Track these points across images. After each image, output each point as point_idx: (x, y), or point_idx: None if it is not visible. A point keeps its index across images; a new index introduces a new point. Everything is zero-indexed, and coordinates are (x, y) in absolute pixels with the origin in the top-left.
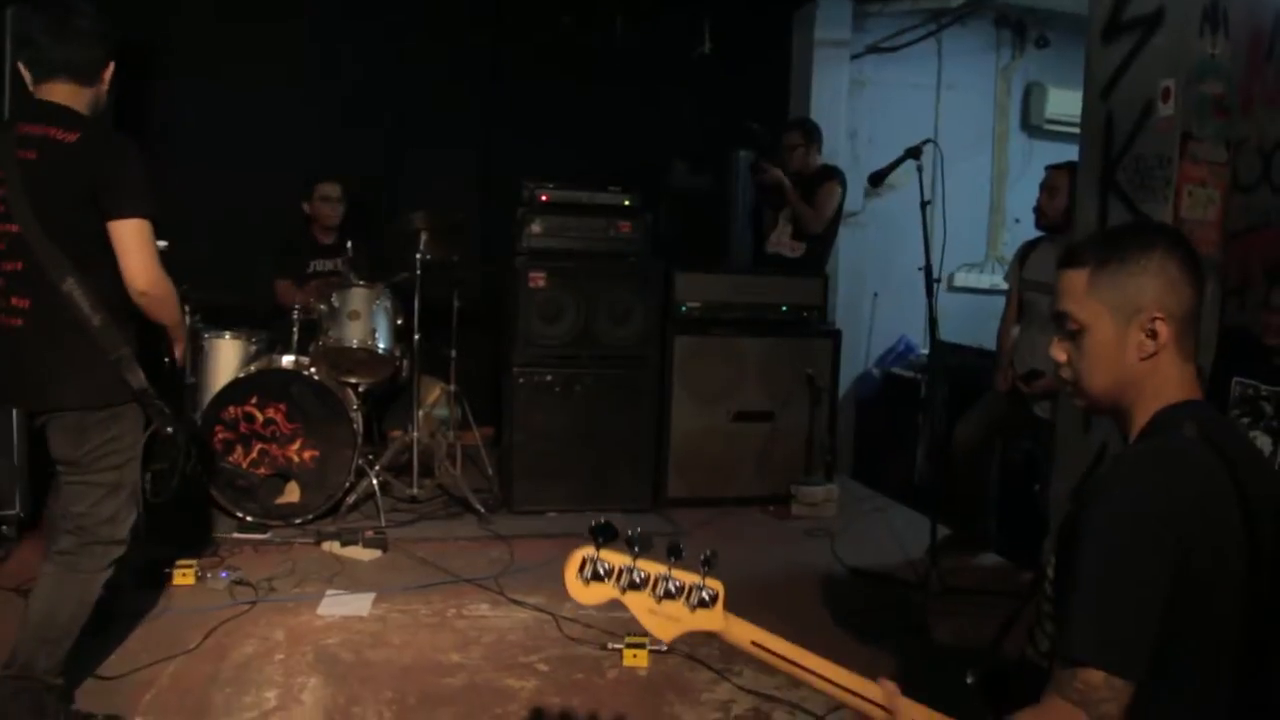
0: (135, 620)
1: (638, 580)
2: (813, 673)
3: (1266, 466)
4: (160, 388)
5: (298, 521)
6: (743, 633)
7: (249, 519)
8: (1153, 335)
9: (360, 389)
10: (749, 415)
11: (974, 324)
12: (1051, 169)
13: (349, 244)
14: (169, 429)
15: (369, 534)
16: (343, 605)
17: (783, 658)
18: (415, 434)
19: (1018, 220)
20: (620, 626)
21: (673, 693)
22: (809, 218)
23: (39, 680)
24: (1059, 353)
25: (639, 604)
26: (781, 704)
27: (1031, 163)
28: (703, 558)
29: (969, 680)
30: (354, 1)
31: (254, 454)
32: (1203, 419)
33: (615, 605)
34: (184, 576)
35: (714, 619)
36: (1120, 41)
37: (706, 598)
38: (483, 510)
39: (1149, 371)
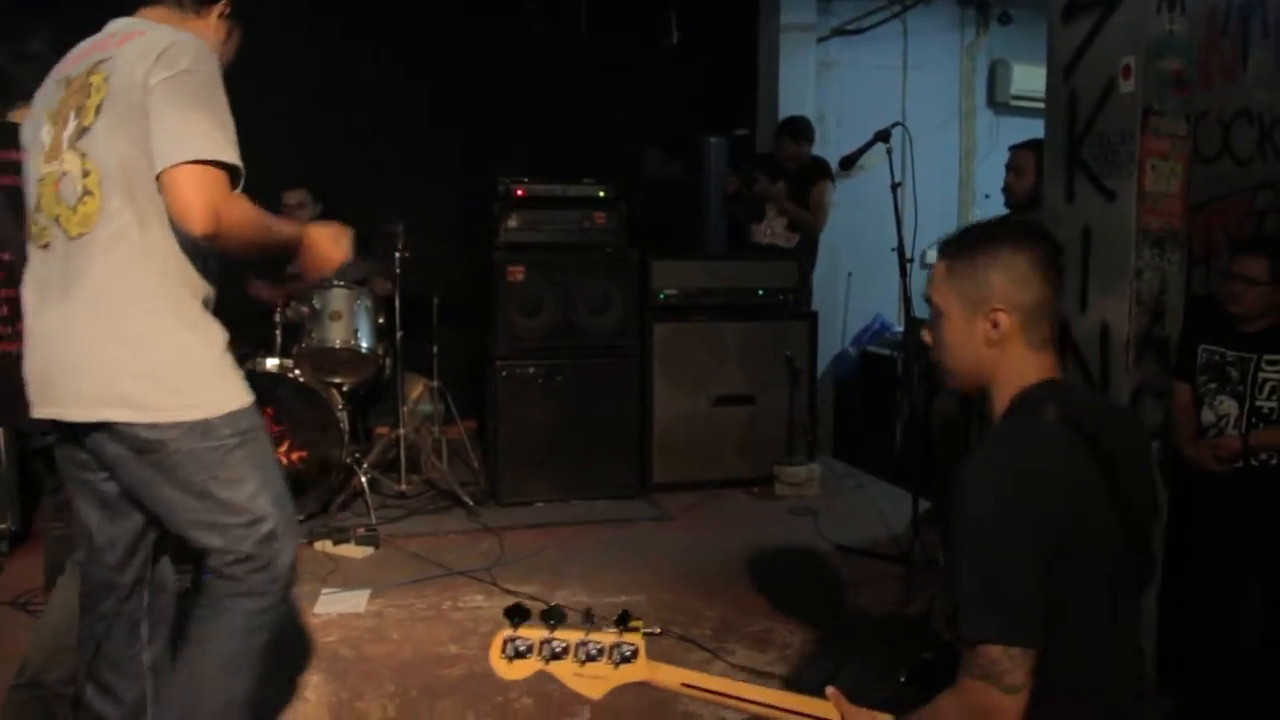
0: None
1: (558, 650)
2: (752, 702)
3: (1126, 432)
4: None
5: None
6: (671, 677)
7: None
8: (995, 325)
9: (344, 388)
10: (730, 399)
11: None
12: (1015, 149)
13: None
14: None
15: (360, 532)
16: (339, 603)
17: (717, 693)
18: (402, 430)
19: (987, 196)
20: (610, 611)
21: None
22: (810, 222)
23: (50, 689)
24: (926, 335)
25: (564, 671)
26: (775, 679)
27: (999, 139)
28: (617, 616)
29: (901, 680)
30: (317, 1)
31: None
32: (1061, 398)
33: (608, 590)
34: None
35: (639, 671)
36: (1081, 20)
37: (628, 653)
38: (471, 503)
39: (999, 357)
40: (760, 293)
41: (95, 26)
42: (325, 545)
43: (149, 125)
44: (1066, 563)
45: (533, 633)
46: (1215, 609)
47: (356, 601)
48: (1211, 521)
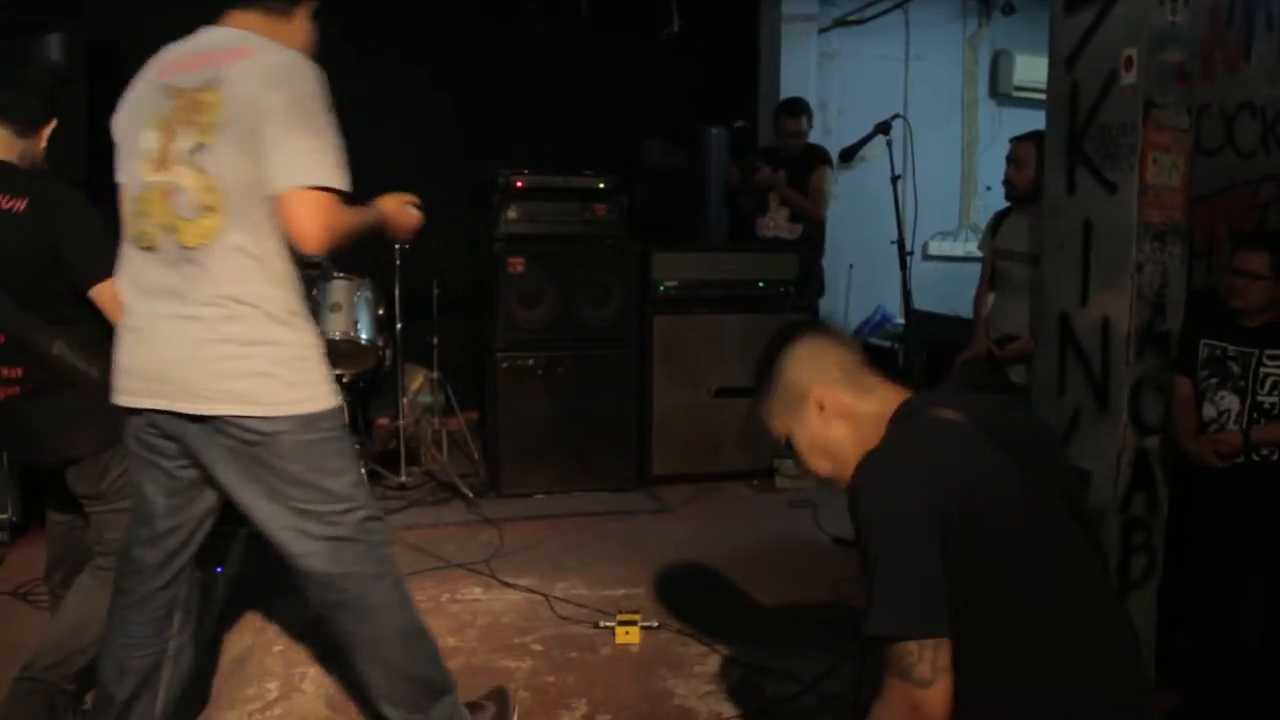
0: None
1: None
2: None
3: (1018, 416)
4: None
5: None
6: None
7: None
8: (821, 406)
9: (344, 380)
10: (730, 391)
11: (949, 292)
12: (1015, 141)
13: None
14: None
15: None
16: None
17: None
18: (402, 422)
19: (989, 188)
20: (610, 605)
21: (665, 667)
22: (810, 209)
23: (53, 684)
24: (801, 469)
25: None
26: (772, 673)
27: (1001, 130)
28: None
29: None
30: None
31: None
32: (938, 401)
33: (607, 583)
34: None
35: None
36: (1083, 11)
37: None
38: (471, 495)
39: (850, 428)
40: (761, 284)
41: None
42: None
43: (264, 147)
44: (983, 546)
45: None
46: (1216, 605)
47: None
48: (1212, 517)
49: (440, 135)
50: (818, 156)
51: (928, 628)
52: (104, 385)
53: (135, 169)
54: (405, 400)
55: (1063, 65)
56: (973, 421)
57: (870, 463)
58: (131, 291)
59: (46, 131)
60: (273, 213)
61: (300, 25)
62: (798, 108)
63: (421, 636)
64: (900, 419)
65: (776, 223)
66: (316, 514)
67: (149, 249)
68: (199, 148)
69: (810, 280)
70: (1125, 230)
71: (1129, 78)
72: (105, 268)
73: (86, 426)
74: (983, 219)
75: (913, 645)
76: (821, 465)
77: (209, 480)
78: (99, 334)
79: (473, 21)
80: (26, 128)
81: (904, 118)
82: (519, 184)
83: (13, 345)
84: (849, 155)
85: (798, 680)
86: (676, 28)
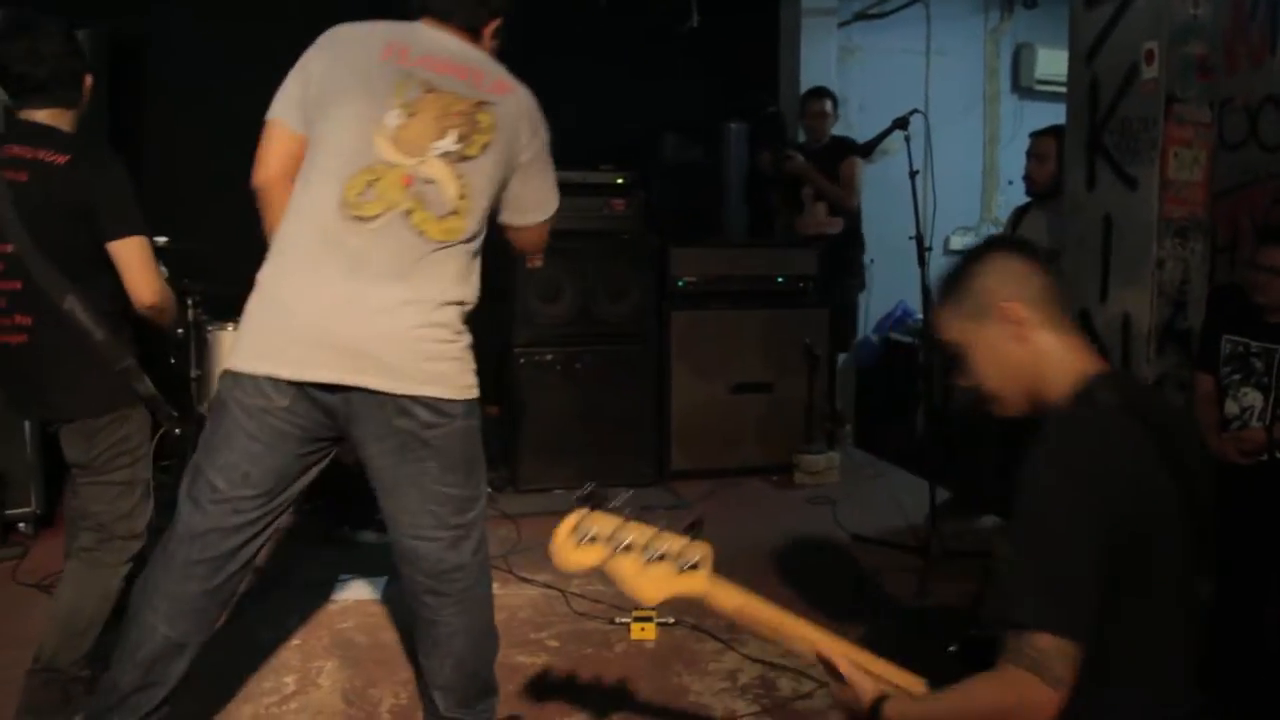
0: None
1: (627, 544)
2: (803, 639)
3: (1185, 424)
4: (165, 386)
5: (306, 508)
6: (728, 599)
7: None
8: (1009, 318)
9: None
10: (748, 386)
11: None
12: (1036, 136)
13: None
14: (177, 431)
15: (379, 518)
16: (356, 590)
17: (770, 626)
18: None
19: (1010, 182)
20: (626, 601)
21: (680, 664)
22: (843, 197)
23: (65, 672)
24: (961, 380)
25: (627, 567)
26: (787, 671)
27: (1023, 124)
28: (689, 523)
29: (951, 649)
30: None
31: None
32: (1117, 386)
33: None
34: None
35: (699, 583)
36: (1104, 4)
37: (693, 562)
38: (489, 490)
39: (1032, 353)
40: (780, 280)
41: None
42: (344, 532)
43: (517, 182)
44: (1129, 560)
45: (605, 522)
46: (1239, 604)
47: (373, 589)
48: (1235, 515)
49: None
50: (846, 147)
51: (1078, 633)
52: (107, 351)
53: (366, 136)
54: None
55: (1083, 59)
56: (1146, 419)
57: (1067, 434)
58: (329, 254)
59: (87, 87)
60: (491, 232)
61: (486, 41)
62: (823, 91)
63: (494, 635)
64: (1087, 395)
65: (816, 219)
66: (456, 500)
67: (364, 219)
68: (465, 158)
69: (851, 273)
70: (1146, 226)
71: (1150, 71)
72: (132, 224)
73: (81, 389)
74: (1004, 214)
75: (1063, 645)
76: (991, 380)
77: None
78: (108, 302)
79: None
80: (72, 98)
81: (922, 112)
82: None
83: (29, 293)
84: (867, 150)
85: (810, 678)
86: (696, 22)
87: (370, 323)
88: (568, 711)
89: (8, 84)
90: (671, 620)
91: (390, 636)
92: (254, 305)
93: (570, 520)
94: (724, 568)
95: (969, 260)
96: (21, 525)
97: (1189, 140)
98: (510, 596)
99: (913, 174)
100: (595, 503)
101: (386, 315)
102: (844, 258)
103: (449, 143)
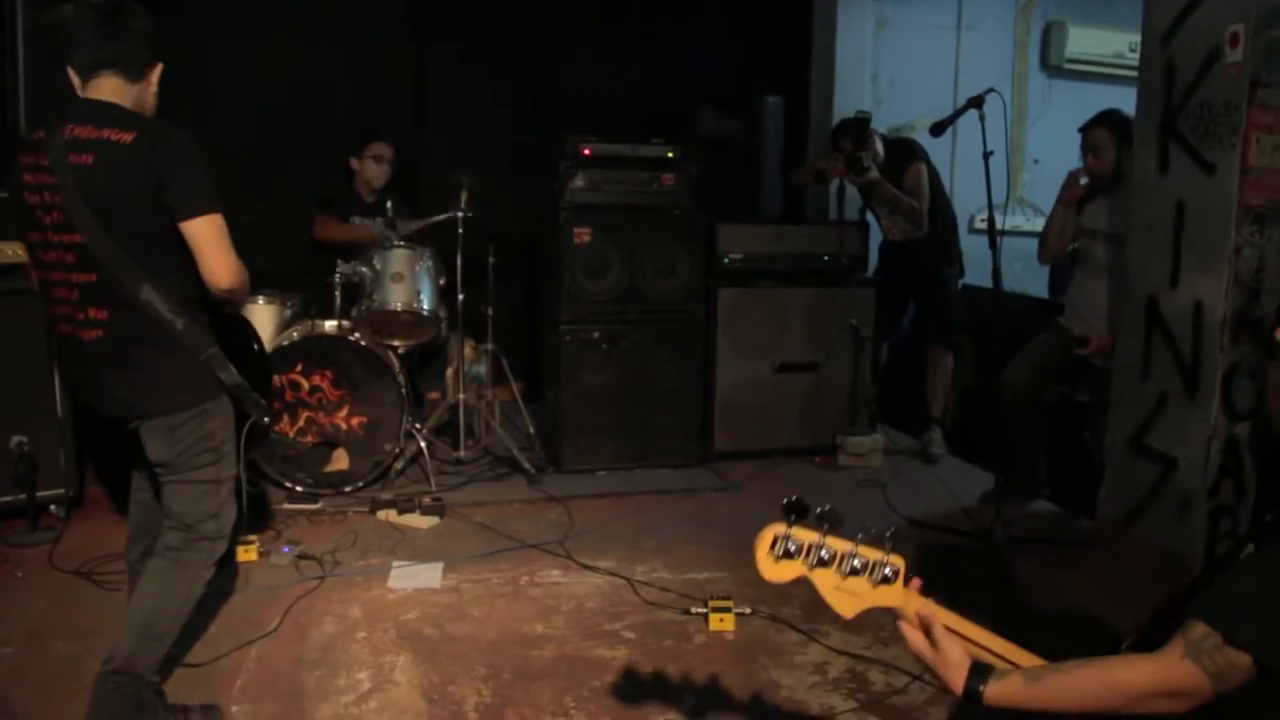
0: (209, 601)
1: (825, 557)
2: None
3: None
4: (249, 374)
5: (347, 489)
6: (924, 612)
7: (298, 489)
8: None
9: (399, 351)
10: (793, 366)
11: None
12: (1088, 130)
13: (389, 204)
14: (266, 420)
15: (426, 500)
16: (412, 577)
17: (972, 641)
18: (462, 395)
19: (1037, 161)
20: (694, 589)
21: (765, 656)
22: (916, 209)
23: (140, 676)
24: None
25: (825, 581)
26: (875, 664)
27: (1051, 103)
28: (887, 534)
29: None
30: None
31: (301, 422)
32: None
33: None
34: (247, 553)
35: (894, 596)
36: None
37: (889, 574)
38: (532, 470)
39: None
40: (825, 259)
41: None
42: (389, 514)
43: None
44: None
45: (805, 534)
46: None
47: (430, 575)
48: None
49: (493, 101)
50: (909, 152)
51: (1270, 660)
52: (190, 340)
53: None
54: (458, 371)
55: (1158, 40)
56: None
57: None
58: None
59: (154, 75)
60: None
61: None
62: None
63: None
64: None
65: (900, 227)
66: None
67: None
68: None
69: (948, 260)
70: (1223, 212)
71: (1234, 55)
72: (206, 202)
73: (161, 385)
74: (1030, 192)
75: (1252, 673)
76: None
77: None
78: (182, 291)
79: None
80: (136, 74)
81: (998, 92)
82: (586, 152)
83: (104, 286)
84: (939, 130)
85: (901, 671)
86: None
87: None
88: (661, 710)
89: (77, 56)
90: (748, 610)
91: (458, 628)
92: None
93: (767, 535)
94: None
95: None
96: (53, 507)
97: (1272, 125)
98: (575, 584)
99: (986, 155)
100: (798, 514)
101: None
102: (939, 245)
103: None
